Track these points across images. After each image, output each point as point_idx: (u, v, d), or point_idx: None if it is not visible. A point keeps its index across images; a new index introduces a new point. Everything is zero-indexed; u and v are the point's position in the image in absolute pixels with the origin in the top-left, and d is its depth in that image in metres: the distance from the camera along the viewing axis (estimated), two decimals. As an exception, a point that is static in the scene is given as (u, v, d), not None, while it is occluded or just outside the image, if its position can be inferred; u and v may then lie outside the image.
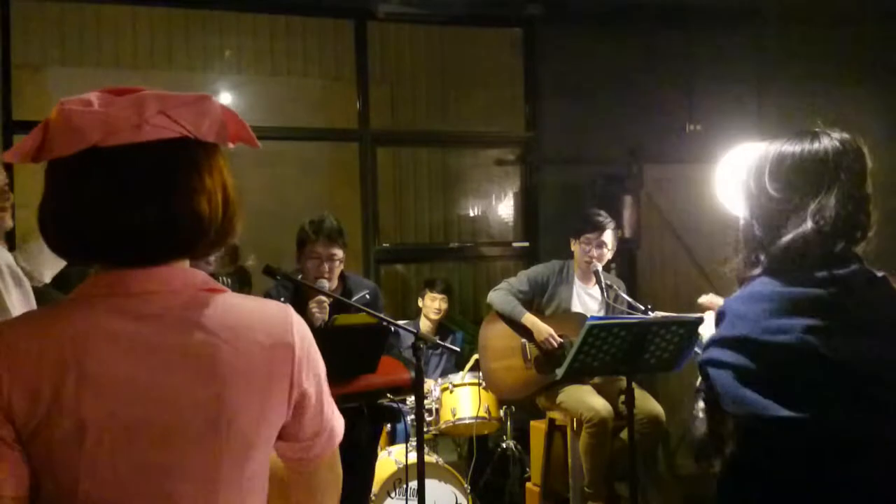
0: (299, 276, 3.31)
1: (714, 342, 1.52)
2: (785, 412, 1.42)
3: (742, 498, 1.54)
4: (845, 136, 1.56)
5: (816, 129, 1.57)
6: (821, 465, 1.47)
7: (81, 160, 1.06)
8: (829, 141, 1.54)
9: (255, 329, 1.17)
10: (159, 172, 1.10)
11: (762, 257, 1.51)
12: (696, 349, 1.63)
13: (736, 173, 1.62)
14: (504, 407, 4.63)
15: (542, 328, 4.19)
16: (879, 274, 1.55)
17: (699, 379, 1.58)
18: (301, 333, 1.23)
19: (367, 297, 3.35)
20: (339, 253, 3.36)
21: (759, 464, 1.50)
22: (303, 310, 3.30)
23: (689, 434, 1.63)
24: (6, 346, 1.06)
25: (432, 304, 5.06)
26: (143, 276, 1.12)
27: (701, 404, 1.57)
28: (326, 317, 3.25)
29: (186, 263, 1.18)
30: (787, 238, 1.47)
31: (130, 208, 1.08)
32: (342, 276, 3.48)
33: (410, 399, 3.46)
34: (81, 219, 1.09)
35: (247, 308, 1.19)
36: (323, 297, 3.25)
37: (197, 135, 1.13)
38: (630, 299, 4.14)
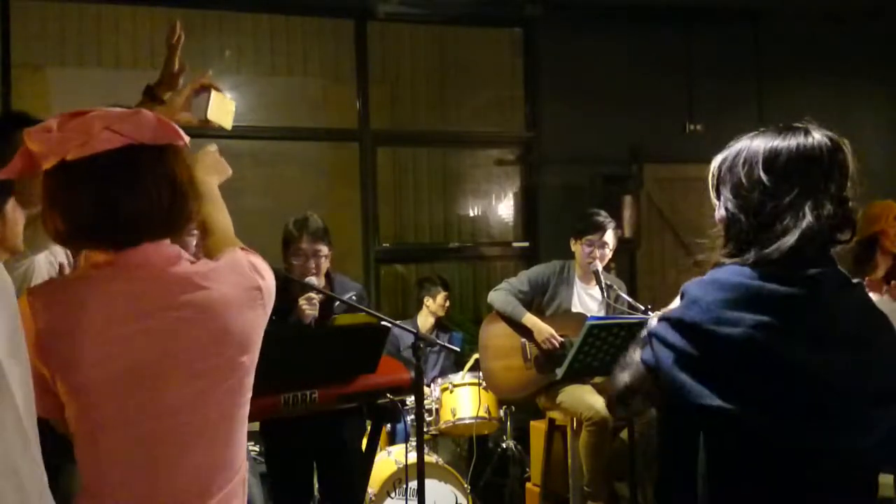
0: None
1: (666, 319, 1.50)
2: (717, 402, 1.40)
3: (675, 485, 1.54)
4: (832, 134, 1.54)
5: (802, 125, 1.55)
6: (755, 465, 1.45)
7: (56, 172, 1.37)
8: (821, 138, 1.52)
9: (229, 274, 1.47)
10: (110, 175, 1.38)
11: (752, 250, 1.49)
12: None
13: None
14: (504, 407, 4.63)
15: (543, 328, 4.19)
16: (855, 280, 1.53)
17: (644, 331, 1.54)
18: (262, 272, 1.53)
19: (354, 298, 3.33)
20: (324, 249, 3.35)
21: (686, 452, 1.49)
22: (292, 307, 3.28)
23: (611, 379, 1.58)
24: (42, 306, 1.38)
25: (444, 304, 5.09)
26: (126, 254, 1.42)
27: (636, 356, 1.53)
28: (317, 313, 3.24)
29: (163, 243, 1.45)
30: (787, 233, 1.45)
31: (96, 205, 1.38)
32: (328, 276, 3.46)
33: (410, 399, 3.46)
34: (66, 216, 1.39)
35: (221, 263, 1.49)
36: (313, 294, 3.25)
37: (140, 141, 1.39)
38: (630, 299, 4.14)
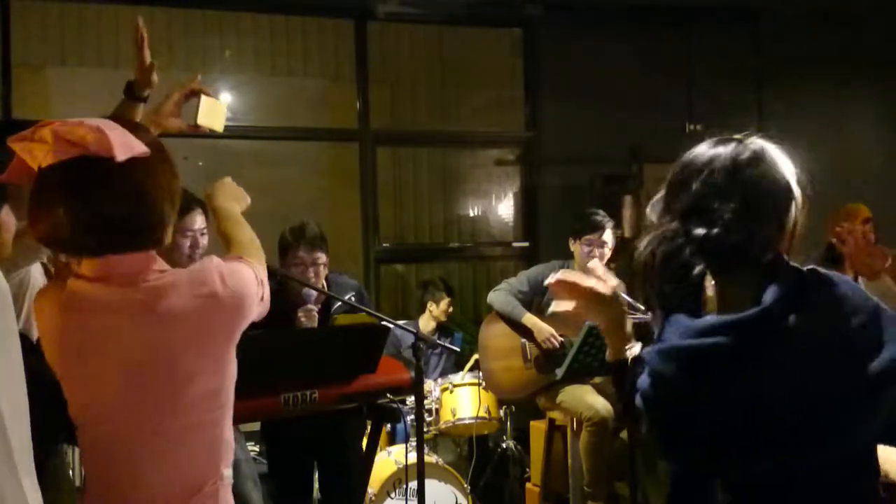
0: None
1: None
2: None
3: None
4: (755, 140, 1.49)
5: (726, 137, 1.52)
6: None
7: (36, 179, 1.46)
8: (737, 146, 1.47)
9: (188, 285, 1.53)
10: (69, 182, 1.44)
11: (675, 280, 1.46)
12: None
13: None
14: (504, 407, 4.63)
15: (543, 328, 4.19)
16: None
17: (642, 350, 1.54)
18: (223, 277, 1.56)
19: (353, 299, 3.32)
20: (322, 257, 3.33)
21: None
22: (289, 312, 3.25)
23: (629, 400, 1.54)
24: (36, 309, 1.57)
25: (447, 309, 5.08)
26: (100, 263, 1.50)
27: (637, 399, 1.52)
28: (315, 324, 3.23)
29: (132, 256, 1.51)
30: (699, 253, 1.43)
31: (58, 210, 1.44)
32: (325, 279, 3.45)
33: (410, 399, 3.46)
34: (34, 223, 1.47)
35: (183, 272, 1.55)
36: (311, 307, 3.24)
37: (89, 151, 1.42)
38: (630, 299, 4.13)
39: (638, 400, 1.46)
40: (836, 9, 5.91)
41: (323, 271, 3.35)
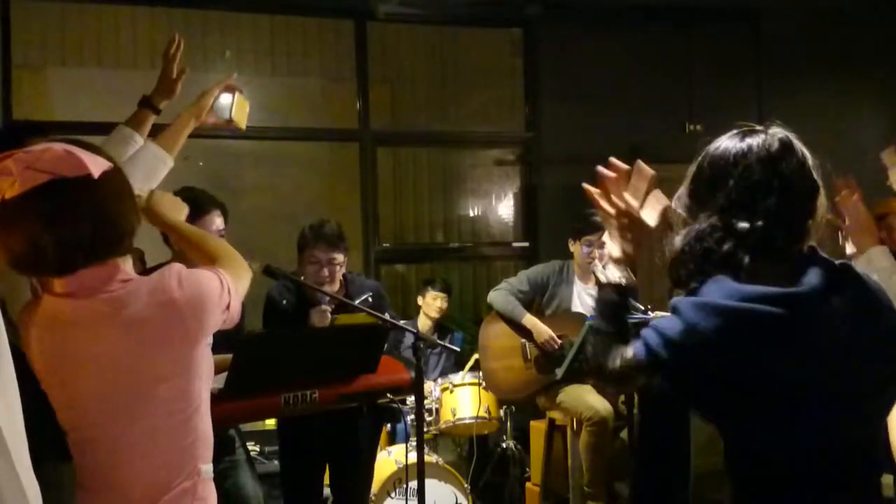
0: (301, 279, 3.30)
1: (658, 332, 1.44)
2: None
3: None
4: (778, 130, 1.51)
5: (749, 127, 1.53)
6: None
7: None
8: (761, 136, 1.49)
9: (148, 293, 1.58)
10: (37, 212, 1.48)
11: (698, 267, 1.44)
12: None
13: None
14: (504, 407, 4.63)
15: (543, 330, 4.19)
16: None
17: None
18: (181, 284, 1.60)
19: (371, 300, 3.33)
20: (339, 257, 3.33)
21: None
22: (306, 312, 3.28)
23: (612, 356, 1.50)
24: (20, 324, 1.63)
25: (434, 303, 5.06)
26: (66, 280, 1.56)
27: (629, 352, 1.48)
28: (327, 324, 3.24)
29: (98, 267, 1.56)
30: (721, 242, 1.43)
31: (28, 243, 1.49)
32: (344, 278, 3.46)
33: (410, 399, 3.47)
34: (6, 252, 1.52)
35: (146, 279, 1.61)
36: (325, 307, 3.25)
37: (61, 174, 1.46)
38: (630, 299, 4.14)
39: (654, 338, 1.42)
40: (837, 9, 5.91)
41: (339, 271, 3.35)
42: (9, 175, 1.46)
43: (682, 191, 1.55)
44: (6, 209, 1.47)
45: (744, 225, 1.42)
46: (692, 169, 1.55)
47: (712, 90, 5.88)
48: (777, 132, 1.49)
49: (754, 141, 1.48)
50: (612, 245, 1.66)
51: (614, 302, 1.59)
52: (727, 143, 1.51)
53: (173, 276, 1.59)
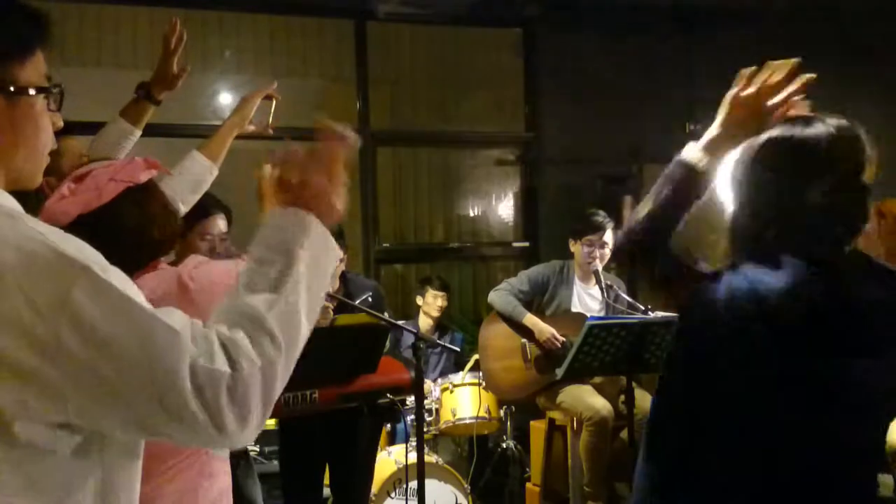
0: None
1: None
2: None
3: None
4: (842, 122, 1.52)
5: (810, 115, 1.54)
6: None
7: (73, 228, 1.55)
8: (824, 127, 1.50)
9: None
10: (116, 212, 1.66)
11: (748, 248, 1.46)
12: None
13: (729, 167, 1.59)
14: (504, 407, 4.63)
15: (544, 328, 4.19)
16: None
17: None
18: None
19: (370, 299, 3.33)
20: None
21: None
22: None
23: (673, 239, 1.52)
24: None
25: (434, 302, 5.05)
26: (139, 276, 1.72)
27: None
28: (328, 322, 3.25)
29: (162, 263, 1.77)
30: (776, 227, 1.43)
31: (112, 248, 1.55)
32: (343, 277, 3.47)
33: (410, 399, 3.47)
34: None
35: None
36: (326, 303, 3.25)
37: (136, 182, 1.69)
38: (630, 299, 4.14)
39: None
40: (837, 9, 5.91)
41: (339, 267, 3.36)
42: (95, 189, 1.65)
43: (764, 177, 1.50)
44: (85, 224, 1.60)
45: (845, 222, 1.47)
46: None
47: (712, 90, 5.87)
48: (841, 121, 1.58)
49: (834, 129, 1.56)
50: (721, 116, 1.67)
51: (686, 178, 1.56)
52: (806, 131, 1.56)
53: (189, 264, 1.74)
